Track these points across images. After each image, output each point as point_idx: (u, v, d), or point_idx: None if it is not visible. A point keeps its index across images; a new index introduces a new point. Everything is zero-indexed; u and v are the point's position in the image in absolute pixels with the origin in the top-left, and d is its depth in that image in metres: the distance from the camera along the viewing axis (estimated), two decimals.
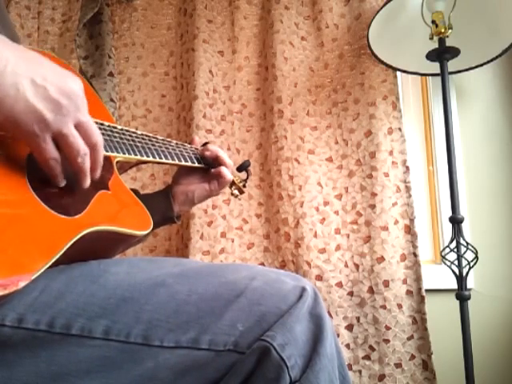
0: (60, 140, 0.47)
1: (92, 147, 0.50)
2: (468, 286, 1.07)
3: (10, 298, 0.46)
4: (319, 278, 1.22)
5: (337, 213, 1.27)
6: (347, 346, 1.20)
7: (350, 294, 1.22)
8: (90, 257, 0.54)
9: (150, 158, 0.70)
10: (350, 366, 1.18)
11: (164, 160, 0.73)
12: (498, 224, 1.30)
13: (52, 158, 0.47)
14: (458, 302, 1.03)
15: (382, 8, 1.14)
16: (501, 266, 1.28)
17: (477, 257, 1.03)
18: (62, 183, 0.51)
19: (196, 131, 1.31)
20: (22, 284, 0.40)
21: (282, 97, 1.32)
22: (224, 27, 1.42)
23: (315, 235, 1.24)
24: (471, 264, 1.03)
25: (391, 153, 1.25)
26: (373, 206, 1.24)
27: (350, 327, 1.21)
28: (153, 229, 0.62)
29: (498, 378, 1.24)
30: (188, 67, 1.38)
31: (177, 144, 0.80)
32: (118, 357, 0.47)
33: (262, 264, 1.29)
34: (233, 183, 0.90)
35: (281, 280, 0.53)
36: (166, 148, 0.76)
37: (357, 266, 1.23)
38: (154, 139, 0.74)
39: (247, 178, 0.93)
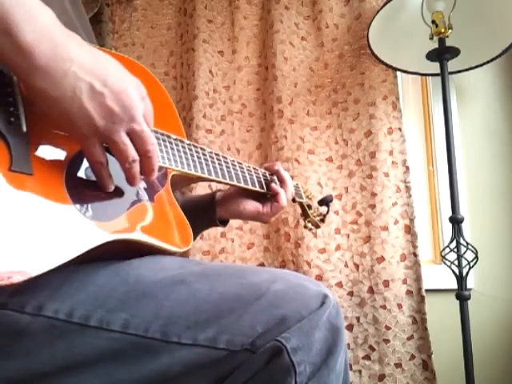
0: (110, 145, 0.48)
1: (143, 154, 0.50)
2: (468, 286, 1.07)
3: (33, 287, 0.46)
4: (319, 278, 1.22)
5: (337, 213, 1.27)
6: (347, 345, 1.20)
7: (350, 294, 1.22)
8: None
9: (206, 175, 0.68)
10: (350, 366, 1.18)
11: (222, 179, 0.71)
12: (498, 224, 1.30)
13: (97, 161, 0.48)
14: (458, 301, 1.03)
15: (382, 8, 1.14)
16: (501, 266, 1.28)
17: (477, 257, 1.03)
18: (110, 188, 0.52)
19: (196, 131, 1.31)
20: (15, 280, 0.38)
21: (281, 97, 1.32)
22: (224, 27, 1.42)
23: (315, 235, 1.24)
24: (471, 264, 1.03)
25: (391, 153, 1.25)
26: (373, 206, 1.24)
27: (349, 327, 1.21)
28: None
29: (497, 378, 1.23)
30: (188, 67, 1.38)
31: (248, 168, 0.78)
32: (134, 351, 0.47)
33: (262, 264, 1.29)
34: (307, 216, 0.89)
35: (302, 285, 0.52)
36: (234, 169, 0.74)
37: (357, 266, 1.23)
38: (222, 158, 0.73)
39: (327, 212, 0.91)
